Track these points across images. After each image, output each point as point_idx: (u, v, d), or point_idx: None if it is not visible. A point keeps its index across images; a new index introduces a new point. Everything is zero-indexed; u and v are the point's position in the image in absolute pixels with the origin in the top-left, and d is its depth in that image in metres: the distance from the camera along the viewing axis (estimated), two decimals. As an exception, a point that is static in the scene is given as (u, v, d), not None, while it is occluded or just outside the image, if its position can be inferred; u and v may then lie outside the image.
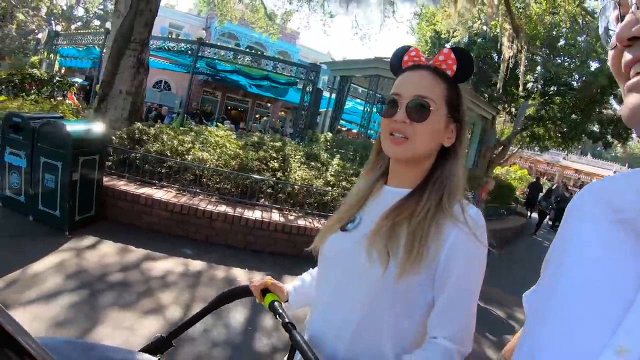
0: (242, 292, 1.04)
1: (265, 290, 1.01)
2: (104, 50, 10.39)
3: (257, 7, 13.55)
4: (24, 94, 7.35)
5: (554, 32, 10.97)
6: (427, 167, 0.90)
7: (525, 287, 0.58)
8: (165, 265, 3.58)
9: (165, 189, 4.67)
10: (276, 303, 0.95)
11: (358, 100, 13.97)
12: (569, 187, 17.32)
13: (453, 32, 12.11)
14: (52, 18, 21.76)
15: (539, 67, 12.73)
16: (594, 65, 11.27)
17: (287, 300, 1.05)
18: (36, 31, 20.87)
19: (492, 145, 12.99)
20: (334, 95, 11.17)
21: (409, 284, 0.80)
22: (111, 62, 5.83)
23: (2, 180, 4.16)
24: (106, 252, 3.56)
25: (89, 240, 3.74)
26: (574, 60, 11.42)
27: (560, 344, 0.40)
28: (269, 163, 5.54)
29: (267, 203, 4.99)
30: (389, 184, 0.94)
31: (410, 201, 0.86)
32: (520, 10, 9.22)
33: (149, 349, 0.96)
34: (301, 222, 4.62)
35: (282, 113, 23.93)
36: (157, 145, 5.09)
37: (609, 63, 0.47)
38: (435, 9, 12.36)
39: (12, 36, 20.53)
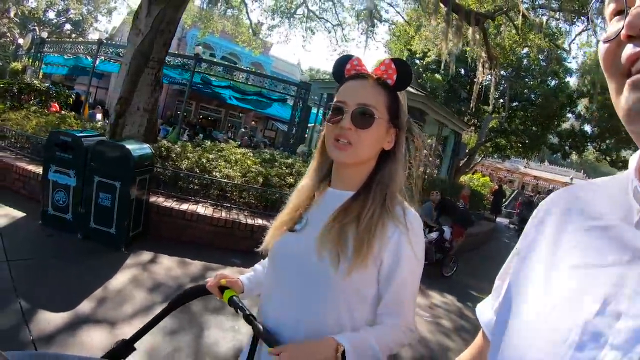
0: (200, 291, 1.06)
1: (222, 287, 1.03)
2: (97, 62, 10.27)
3: (240, 22, 13.80)
4: (22, 104, 7.18)
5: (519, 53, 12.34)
6: (369, 170, 0.95)
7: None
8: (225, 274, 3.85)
9: (200, 204, 4.91)
10: (235, 297, 0.98)
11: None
12: (526, 193, 18.97)
13: (427, 53, 13.20)
14: (34, 23, 20.60)
15: (503, 82, 14.11)
16: (552, 83, 12.76)
17: (243, 292, 1.08)
18: (7, 34, 19.66)
19: (462, 156, 14.15)
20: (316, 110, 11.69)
21: (359, 280, 0.87)
22: (130, 79, 5.94)
23: (45, 198, 4.21)
24: (169, 266, 3.78)
25: (146, 255, 3.92)
26: (536, 79, 12.85)
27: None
28: (285, 178, 5.93)
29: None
30: (333, 186, 0.98)
31: (356, 203, 0.90)
32: (495, 39, 10.39)
33: (112, 354, 0.97)
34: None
35: (254, 123, 24.16)
36: (186, 162, 5.31)
37: (600, 57, 0.43)
38: (411, 32, 13.34)
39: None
